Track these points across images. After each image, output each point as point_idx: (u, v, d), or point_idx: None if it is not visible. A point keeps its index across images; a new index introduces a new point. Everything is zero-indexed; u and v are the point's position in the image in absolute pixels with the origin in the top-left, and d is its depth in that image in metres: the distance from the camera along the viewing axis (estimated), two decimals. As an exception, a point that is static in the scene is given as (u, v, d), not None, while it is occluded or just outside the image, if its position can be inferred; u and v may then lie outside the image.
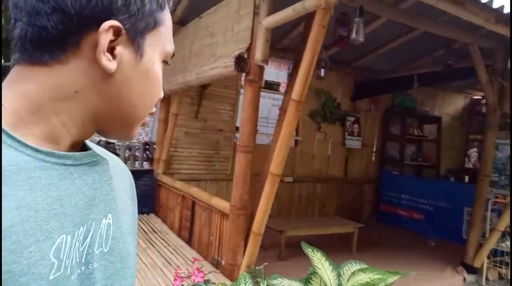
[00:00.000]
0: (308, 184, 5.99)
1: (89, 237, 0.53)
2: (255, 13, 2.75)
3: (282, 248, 4.28)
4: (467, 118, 7.44)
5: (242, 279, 2.16)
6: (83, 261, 0.53)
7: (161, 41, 0.57)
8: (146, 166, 5.39)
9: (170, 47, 0.59)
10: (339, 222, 5.04)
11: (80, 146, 0.58)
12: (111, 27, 0.51)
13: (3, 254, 0.42)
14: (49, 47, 0.50)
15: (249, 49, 2.76)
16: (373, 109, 6.67)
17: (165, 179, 4.47)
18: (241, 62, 2.71)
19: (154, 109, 0.61)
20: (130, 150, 5.42)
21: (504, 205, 4.17)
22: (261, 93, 5.35)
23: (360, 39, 2.26)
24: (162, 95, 0.62)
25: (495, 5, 1.71)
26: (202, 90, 4.87)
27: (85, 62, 0.52)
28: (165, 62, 0.60)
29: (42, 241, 0.46)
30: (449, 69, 4.52)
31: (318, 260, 2.30)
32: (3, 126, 0.48)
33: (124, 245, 0.61)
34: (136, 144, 6.32)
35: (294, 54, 4.72)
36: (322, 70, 4.52)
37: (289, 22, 2.71)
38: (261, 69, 2.78)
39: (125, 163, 5.31)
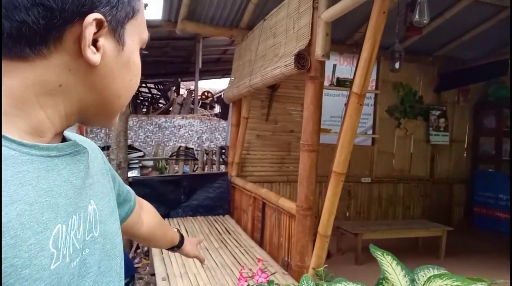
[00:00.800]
0: (388, 185, 5.64)
1: (81, 225, 0.55)
2: (314, 8, 2.66)
3: (358, 252, 4.08)
4: None
5: (304, 280, 2.09)
6: (80, 248, 0.54)
7: (138, 29, 0.58)
8: (223, 169, 5.57)
9: (145, 34, 0.60)
10: (424, 225, 4.64)
11: (60, 136, 0.59)
12: (94, 19, 0.51)
13: (3, 249, 0.43)
14: (30, 42, 0.48)
15: (310, 45, 2.68)
16: (462, 101, 6.05)
17: (238, 181, 4.56)
18: (301, 59, 2.65)
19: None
20: (207, 154, 5.65)
21: None
22: (334, 91, 5.26)
23: (425, 21, 2.06)
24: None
25: None
26: (272, 93, 4.88)
27: (68, 56, 0.52)
28: (141, 49, 0.60)
29: (40, 232, 0.47)
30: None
31: (389, 264, 2.12)
32: None
33: (109, 226, 0.63)
34: (214, 148, 6.57)
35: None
36: (397, 63, 4.22)
37: (359, 15, 2.58)
38: (322, 64, 2.68)
39: (203, 166, 5.55)
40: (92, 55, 0.52)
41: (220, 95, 11.96)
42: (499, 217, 5.49)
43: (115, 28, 0.54)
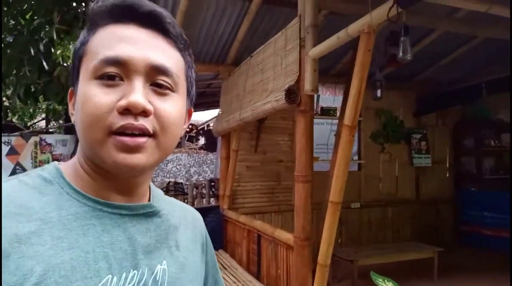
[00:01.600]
0: (377, 209, 5.73)
1: (143, 281, 0.59)
2: (301, 46, 2.81)
3: (355, 279, 4.09)
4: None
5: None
6: None
7: (85, 68, 0.59)
8: (213, 202, 5.57)
9: (93, 62, 0.57)
10: (415, 247, 4.72)
11: (139, 197, 0.66)
12: (70, 93, 0.64)
13: (52, 285, 0.50)
14: None
15: (298, 81, 2.80)
16: (441, 123, 6.30)
17: (230, 214, 4.56)
18: (291, 94, 2.76)
19: (114, 124, 0.56)
20: (196, 188, 5.66)
21: None
22: (319, 120, 5.41)
23: (408, 58, 2.20)
24: (121, 102, 0.55)
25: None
26: (260, 124, 4.99)
27: None
28: (107, 73, 0.57)
29: (89, 278, 0.53)
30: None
31: (390, 291, 2.18)
32: (71, 181, 0.60)
33: None
34: (203, 181, 6.57)
35: (346, 79, 4.70)
36: (378, 91, 4.40)
37: (340, 48, 2.74)
38: (311, 98, 2.80)
39: (193, 200, 5.54)
40: (72, 117, 0.63)
41: (204, 127, 12.03)
42: (486, 234, 5.61)
43: (75, 87, 0.62)
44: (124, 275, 0.57)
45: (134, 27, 0.59)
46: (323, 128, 5.56)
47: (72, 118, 0.62)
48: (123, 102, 0.55)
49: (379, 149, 5.79)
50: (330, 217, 2.41)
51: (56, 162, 0.64)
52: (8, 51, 4.38)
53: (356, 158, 5.80)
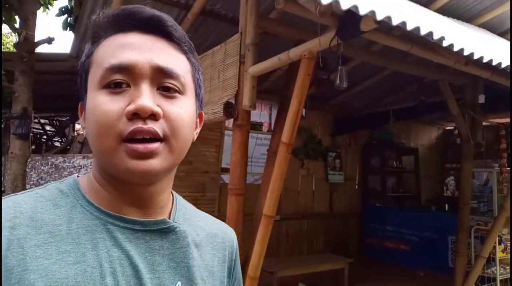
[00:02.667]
0: (294, 221, 6.01)
1: None
2: (241, 62, 2.88)
3: (274, 290, 4.23)
4: (442, 148, 7.76)
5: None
6: None
7: (91, 78, 0.59)
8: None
9: (99, 72, 0.58)
10: (329, 258, 5.05)
11: (155, 213, 0.64)
12: (80, 108, 0.64)
13: None
14: None
15: (236, 95, 2.87)
16: (353, 143, 6.87)
17: (153, 225, 4.41)
18: (229, 108, 2.81)
19: (125, 131, 0.55)
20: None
21: (486, 232, 4.31)
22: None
23: (344, 85, 2.42)
24: (129, 107, 0.55)
25: (466, 52, 1.89)
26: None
27: None
28: (113, 81, 0.57)
29: None
30: (422, 104, 4.78)
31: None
32: (86, 194, 0.60)
33: None
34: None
35: (275, 95, 4.90)
36: (303, 110, 4.66)
37: None
38: (248, 114, 2.89)
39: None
40: (84, 131, 0.63)
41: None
42: (387, 247, 6.21)
43: (83, 99, 0.63)
44: None
45: (136, 34, 0.59)
46: (250, 142, 5.68)
47: (84, 132, 0.61)
48: (131, 107, 0.55)
49: (299, 164, 6.10)
50: (263, 229, 2.49)
51: (75, 175, 0.63)
52: None
53: (277, 172, 6.04)
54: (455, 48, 1.91)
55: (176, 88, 0.60)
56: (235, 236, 0.78)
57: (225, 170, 4.87)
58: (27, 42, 4.22)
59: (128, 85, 0.57)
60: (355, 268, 5.13)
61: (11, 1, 4.17)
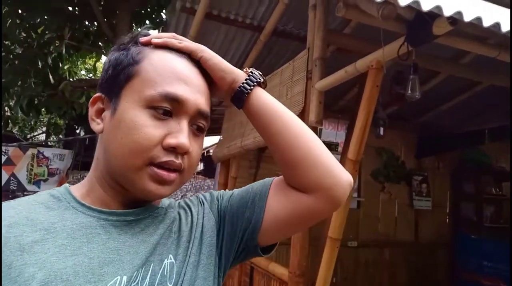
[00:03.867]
0: (374, 249, 5.59)
1: (148, 278, 0.60)
2: (308, 78, 2.81)
3: (348, 321, 3.92)
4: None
5: None
6: None
7: (135, 89, 0.61)
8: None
9: (151, 91, 0.60)
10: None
11: (143, 204, 0.67)
12: (94, 99, 0.65)
13: None
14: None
15: (303, 112, 2.79)
16: (442, 166, 6.25)
17: (224, 243, 4.44)
18: (295, 124, 2.74)
19: (158, 158, 0.59)
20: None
21: None
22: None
23: (417, 96, 2.19)
24: (169, 141, 0.59)
25: None
26: (260, 154, 4.95)
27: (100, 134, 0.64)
28: (160, 107, 0.60)
29: (92, 282, 0.54)
30: (523, 122, 4.17)
31: None
32: (77, 197, 0.63)
33: (192, 274, 0.66)
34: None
35: (350, 114, 4.71)
36: (381, 129, 4.40)
37: (344, 84, 2.77)
38: (315, 130, 2.77)
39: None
40: (95, 126, 0.64)
41: (204, 153, 12.00)
42: (483, 284, 5.44)
43: (110, 98, 0.64)
44: (135, 273, 0.58)
45: (186, 61, 0.65)
46: (323, 163, 5.51)
47: (96, 127, 0.64)
48: (173, 141, 0.59)
49: (379, 187, 5.71)
50: (328, 253, 2.32)
51: (67, 184, 0.68)
52: (16, 62, 4.42)
53: (355, 195, 5.72)
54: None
55: (204, 128, 0.68)
56: (198, 194, 0.83)
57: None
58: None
59: (170, 115, 0.62)
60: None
61: (106, 32, 4.67)
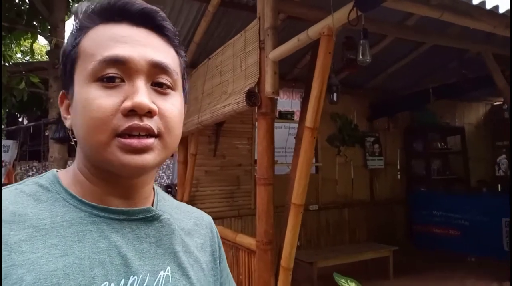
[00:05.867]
0: (334, 211, 5.85)
1: None
2: (261, 48, 2.79)
3: (314, 281, 4.12)
4: (491, 126, 7.22)
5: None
6: None
7: (81, 70, 0.59)
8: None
9: (92, 63, 0.56)
10: (371, 247, 4.85)
11: (139, 201, 0.64)
12: (61, 97, 0.64)
13: None
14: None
15: (259, 83, 2.78)
16: (392, 127, 6.56)
17: (189, 220, 4.44)
18: (252, 96, 2.73)
19: (120, 127, 0.55)
20: (153, 193, 5.45)
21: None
22: (277, 123, 5.42)
23: (367, 60, 2.25)
24: (125, 104, 0.55)
25: (502, 10, 1.68)
26: (218, 128, 4.91)
27: None
28: (106, 75, 0.56)
29: (83, 285, 0.51)
30: (464, 79, 4.44)
31: (353, 291, 2.19)
32: (68, 187, 0.59)
33: None
34: (159, 186, 6.37)
35: (305, 82, 4.76)
36: (335, 95, 4.50)
37: (297, 52, 2.78)
38: (272, 101, 2.78)
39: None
40: (67, 122, 0.63)
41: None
42: (436, 233, 5.89)
43: (68, 90, 0.62)
44: (122, 281, 0.55)
45: (127, 26, 0.59)
46: (281, 132, 5.59)
47: (67, 122, 0.62)
48: (128, 104, 0.55)
49: (335, 152, 5.91)
50: (292, 219, 2.40)
51: (55, 170, 0.63)
52: None
53: (313, 161, 5.89)
54: (501, 10, 1.71)
55: (169, 84, 0.61)
56: (212, 221, 0.78)
57: (259, 162, 4.80)
58: (58, 49, 4.37)
59: (122, 80, 0.56)
60: (401, 256, 4.90)
61: (41, 11, 4.32)
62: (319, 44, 2.19)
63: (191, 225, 0.72)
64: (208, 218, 0.78)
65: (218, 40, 4.24)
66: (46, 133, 5.24)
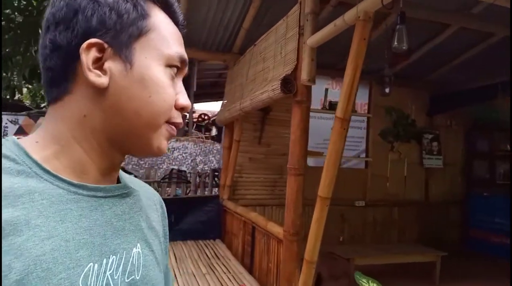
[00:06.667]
0: (383, 208, 5.59)
1: (121, 265, 0.56)
2: (300, 34, 2.71)
3: (351, 278, 3.99)
4: None
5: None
6: None
7: (154, 46, 0.57)
8: (216, 191, 5.52)
9: (169, 50, 0.58)
10: (417, 249, 4.58)
11: (113, 177, 0.62)
12: (90, 45, 0.54)
13: (34, 281, 0.45)
14: (57, 83, 0.55)
15: (296, 70, 2.71)
16: (454, 124, 6.08)
17: (229, 204, 4.52)
18: (287, 84, 2.67)
19: (174, 118, 0.59)
20: (200, 176, 5.61)
21: None
22: (327, 115, 5.27)
23: (404, 47, 2.08)
24: (182, 102, 0.60)
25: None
26: (264, 116, 4.91)
27: (84, 86, 0.55)
28: (175, 66, 0.59)
29: (71, 268, 0.49)
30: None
31: (374, 292, 2.09)
32: (39, 160, 0.52)
33: (155, 273, 0.63)
34: (207, 170, 6.53)
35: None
36: (387, 87, 4.26)
37: (350, 40, 2.64)
38: (308, 89, 2.70)
39: (196, 189, 5.51)
40: (96, 78, 0.54)
41: (215, 119, 11.99)
42: (494, 241, 5.42)
43: (119, 49, 0.55)
44: (104, 261, 0.53)
45: (171, 21, 0.62)
46: (331, 124, 5.40)
47: (98, 79, 0.54)
48: (184, 103, 0.60)
49: (388, 147, 5.63)
50: (318, 211, 2.33)
51: (14, 137, 0.55)
52: (19, 31, 4.39)
53: (363, 155, 5.66)
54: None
55: None
56: (160, 197, 0.77)
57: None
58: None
59: None
60: (452, 262, 4.57)
61: None
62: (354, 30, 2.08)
63: (149, 200, 0.71)
64: (156, 193, 0.77)
65: (266, 27, 4.19)
66: None
